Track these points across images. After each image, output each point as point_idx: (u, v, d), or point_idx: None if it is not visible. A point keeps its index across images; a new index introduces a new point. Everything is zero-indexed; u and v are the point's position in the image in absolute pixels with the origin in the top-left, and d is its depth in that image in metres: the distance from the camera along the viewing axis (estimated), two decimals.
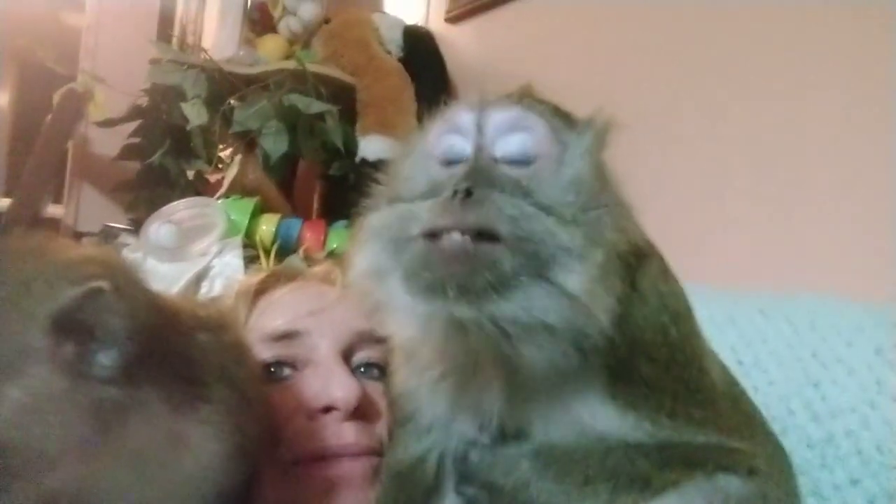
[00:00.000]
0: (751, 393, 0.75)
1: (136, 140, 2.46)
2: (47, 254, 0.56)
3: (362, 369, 0.87)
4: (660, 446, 0.59)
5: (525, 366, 0.55)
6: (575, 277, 0.51)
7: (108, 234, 2.48)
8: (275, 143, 2.10)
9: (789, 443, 0.80)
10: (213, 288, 1.72)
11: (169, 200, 2.04)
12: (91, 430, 0.55)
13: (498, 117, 0.58)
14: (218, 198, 2.22)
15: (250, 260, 1.89)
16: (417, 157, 0.62)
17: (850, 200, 1.29)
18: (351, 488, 0.78)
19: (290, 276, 0.96)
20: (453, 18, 2.50)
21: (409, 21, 2.56)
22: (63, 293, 0.53)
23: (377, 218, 0.59)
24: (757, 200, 1.45)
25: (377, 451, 0.80)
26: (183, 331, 0.66)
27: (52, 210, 3.29)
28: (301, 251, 1.98)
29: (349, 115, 2.19)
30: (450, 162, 0.59)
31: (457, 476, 0.66)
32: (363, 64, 2.26)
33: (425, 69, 2.37)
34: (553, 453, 0.60)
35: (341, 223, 2.15)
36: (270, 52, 2.34)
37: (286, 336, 0.85)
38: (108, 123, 2.57)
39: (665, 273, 0.64)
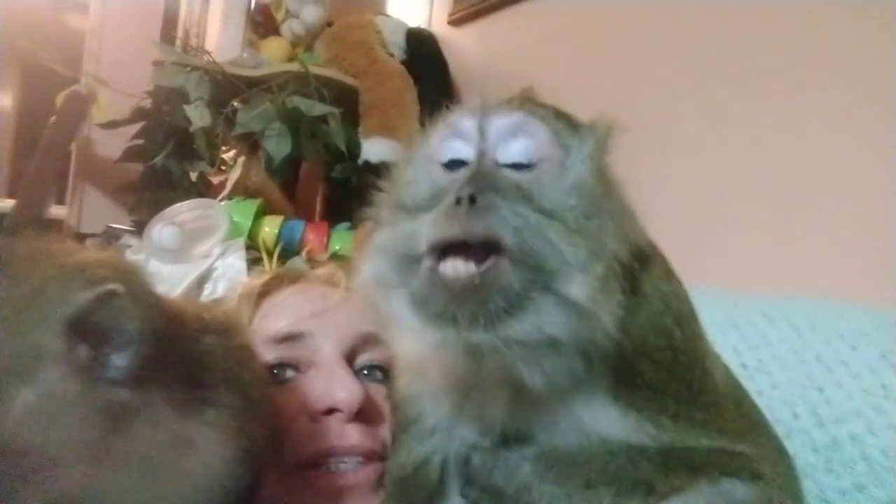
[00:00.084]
0: (754, 396, 0.75)
1: (140, 142, 2.47)
2: (57, 257, 0.56)
3: (365, 371, 0.87)
4: (663, 450, 0.59)
5: (534, 381, 0.55)
6: (579, 286, 0.51)
7: (110, 236, 2.48)
8: (277, 146, 2.10)
9: (794, 447, 0.80)
10: (215, 290, 1.72)
11: (172, 202, 2.04)
12: (99, 433, 0.55)
13: (500, 122, 0.58)
14: (221, 200, 2.22)
15: (253, 262, 1.89)
16: (420, 162, 0.62)
17: (853, 202, 1.28)
18: (356, 494, 0.78)
19: (294, 278, 0.96)
20: (456, 21, 2.50)
21: (412, 24, 2.56)
22: (77, 296, 0.54)
23: (382, 237, 0.59)
24: (758, 202, 1.45)
25: (380, 455, 0.80)
26: (189, 334, 0.66)
27: (55, 211, 3.30)
28: (304, 253, 1.98)
29: (352, 118, 2.19)
30: (452, 167, 0.59)
31: (462, 479, 0.65)
32: (366, 66, 2.26)
33: (428, 72, 2.37)
34: (555, 456, 0.60)
35: (344, 225, 2.16)
36: (273, 55, 2.34)
37: (289, 338, 0.85)
38: (112, 125, 2.58)
39: (668, 275, 0.64)
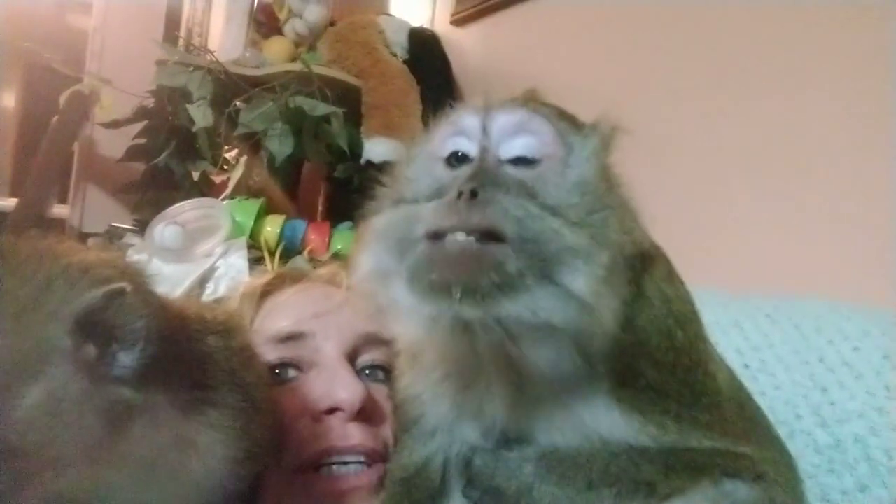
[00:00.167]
0: (757, 397, 0.75)
1: (142, 141, 2.47)
2: (61, 256, 0.57)
3: (367, 371, 0.87)
4: (665, 451, 0.59)
5: (530, 368, 0.55)
6: (580, 279, 0.50)
7: (113, 235, 2.48)
8: (280, 145, 2.10)
9: (796, 448, 0.80)
10: (217, 289, 1.72)
11: (174, 201, 2.03)
12: (102, 433, 0.55)
13: (503, 119, 0.58)
14: (223, 199, 2.22)
15: (255, 261, 1.89)
16: (422, 159, 0.62)
17: (856, 203, 1.28)
18: (357, 497, 0.78)
19: (296, 278, 0.96)
20: (459, 21, 2.50)
21: (415, 23, 2.56)
22: (85, 294, 0.54)
23: (381, 220, 0.59)
24: (759, 202, 1.44)
25: (382, 455, 0.80)
26: (191, 334, 0.66)
27: (58, 210, 3.31)
28: (306, 253, 1.98)
29: (354, 118, 2.19)
30: (455, 164, 0.59)
31: (463, 480, 0.65)
32: (368, 66, 2.26)
33: (431, 72, 2.37)
34: (557, 457, 0.60)
35: (346, 225, 2.15)
36: (276, 55, 2.34)
37: (291, 338, 0.85)
38: (114, 125, 2.58)
39: (670, 276, 0.63)
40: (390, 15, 2.61)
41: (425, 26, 2.61)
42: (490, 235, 0.51)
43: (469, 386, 0.63)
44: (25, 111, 4.33)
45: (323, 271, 1.00)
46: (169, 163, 2.37)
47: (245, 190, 2.25)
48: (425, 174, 0.61)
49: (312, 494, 0.78)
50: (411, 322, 0.56)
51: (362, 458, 0.80)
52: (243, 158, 2.32)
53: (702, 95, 1.60)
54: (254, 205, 2.07)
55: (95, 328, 0.54)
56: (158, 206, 2.08)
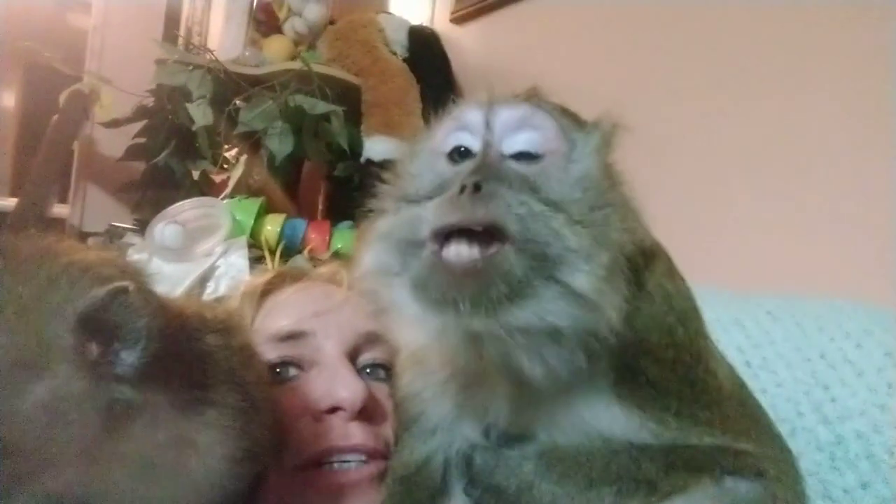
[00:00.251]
0: (758, 395, 0.75)
1: (142, 140, 2.46)
2: (62, 255, 0.56)
3: (368, 370, 0.87)
4: (666, 449, 0.59)
5: (535, 370, 0.55)
6: (583, 276, 0.50)
7: (113, 234, 2.48)
8: (280, 144, 2.10)
9: (798, 445, 0.80)
10: (218, 288, 1.72)
11: (174, 201, 2.03)
12: (102, 432, 0.55)
13: (506, 114, 0.58)
14: (223, 198, 2.22)
15: (255, 260, 1.89)
16: (425, 155, 0.62)
17: (856, 203, 1.28)
18: (357, 493, 0.78)
19: (296, 277, 0.96)
20: (459, 19, 2.50)
21: (415, 22, 2.55)
22: (89, 292, 0.54)
23: (386, 223, 0.58)
24: (760, 201, 1.44)
25: (383, 454, 0.80)
26: (191, 333, 0.66)
27: (58, 210, 3.30)
28: (306, 252, 1.98)
29: (354, 116, 2.18)
30: (457, 159, 0.59)
31: (464, 478, 0.65)
32: (368, 65, 2.26)
33: (430, 70, 2.37)
34: (557, 455, 0.60)
35: (346, 224, 2.15)
36: (276, 53, 2.34)
37: (292, 336, 0.85)
38: (114, 124, 2.57)
39: (672, 273, 0.63)
40: (390, 13, 2.61)
41: (425, 24, 2.61)
42: (492, 232, 0.51)
43: (471, 385, 0.63)
44: (25, 110, 4.33)
45: (323, 270, 1.00)
46: (169, 162, 2.37)
47: (245, 189, 2.24)
48: (428, 170, 0.60)
49: (313, 490, 0.78)
50: (416, 329, 0.56)
51: (363, 458, 0.80)
52: (243, 157, 2.32)
53: (702, 95, 1.60)
54: (254, 204, 2.07)
55: (98, 326, 0.54)
56: (158, 205, 2.08)
